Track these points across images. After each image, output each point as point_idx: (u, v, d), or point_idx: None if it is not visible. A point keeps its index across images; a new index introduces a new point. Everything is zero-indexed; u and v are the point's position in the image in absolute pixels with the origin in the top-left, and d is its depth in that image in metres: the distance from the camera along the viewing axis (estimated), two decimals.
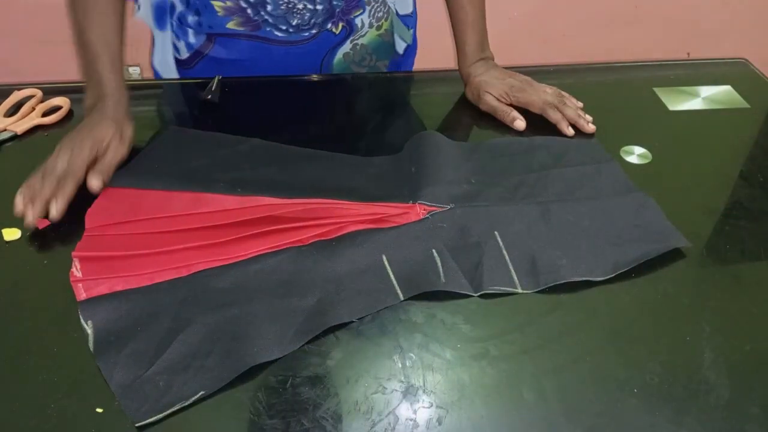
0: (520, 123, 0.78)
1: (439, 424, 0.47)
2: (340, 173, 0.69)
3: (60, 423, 0.46)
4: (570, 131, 0.77)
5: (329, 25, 0.85)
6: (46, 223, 0.61)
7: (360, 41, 0.90)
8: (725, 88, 0.88)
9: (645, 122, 0.81)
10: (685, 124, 0.81)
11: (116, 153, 0.67)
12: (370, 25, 0.89)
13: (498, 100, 0.80)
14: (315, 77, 0.88)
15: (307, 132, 0.77)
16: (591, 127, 0.77)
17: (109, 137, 0.67)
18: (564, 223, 0.62)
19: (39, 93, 0.81)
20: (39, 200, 0.61)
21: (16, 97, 0.80)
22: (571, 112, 0.78)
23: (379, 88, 0.89)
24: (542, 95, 0.80)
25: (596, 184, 0.68)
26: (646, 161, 0.74)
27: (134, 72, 1.75)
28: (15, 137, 0.74)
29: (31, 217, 0.60)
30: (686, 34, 1.82)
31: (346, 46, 0.89)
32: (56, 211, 0.60)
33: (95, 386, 0.48)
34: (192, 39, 0.86)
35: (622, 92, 0.88)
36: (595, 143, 0.75)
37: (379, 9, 0.88)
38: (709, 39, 1.82)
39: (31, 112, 0.78)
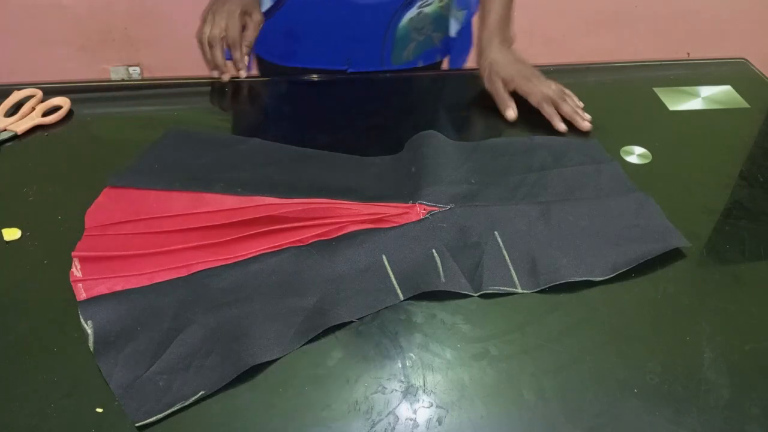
0: (511, 113, 0.79)
1: (439, 424, 0.47)
2: (340, 173, 0.69)
3: (60, 423, 0.46)
4: (562, 126, 0.77)
5: None
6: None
7: (425, 9, 0.90)
8: (725, 88, 0.88)
9: (645, 122, 0.81)
10: (685, 124, 0.81)
11: (255, 29, 0.83)
12: None
13: (503, 83, 0.81)
14: (315, 77, 0.88)
15: (308, 132, 0.77)
16: (586, 125, 0.77)
17: (250, 8, 0.83)
18: (564, 223, 0.62)
19: (39, 93, 0.81)
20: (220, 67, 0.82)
21: (16, 97, 0.80)
22: (568, 109, 0.78)
23: (379, 88, 0.89)
24: (544, 89, 0.80)
25: (596, 184, 0.68)
26: (646, 161, 0.74)
27: (134, 72, 1.75)
28: (15, 137, 0.74)
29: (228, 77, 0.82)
30: (686, 34, 1.82)
31: (413, 11, 0.90)
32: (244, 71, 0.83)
33: (95, 386, 0.48)
34: None
35: (622, 92, 0.88)
36: (595, 143, 0.75)
37: None
38: (709, 39, 1.82)
39: (31, 112, 0.78)
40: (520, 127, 0.80)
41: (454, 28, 0.96)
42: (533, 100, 0.80)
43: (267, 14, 0.89)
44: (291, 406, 0.47)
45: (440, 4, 0.92)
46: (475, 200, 0.64)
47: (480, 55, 0.85)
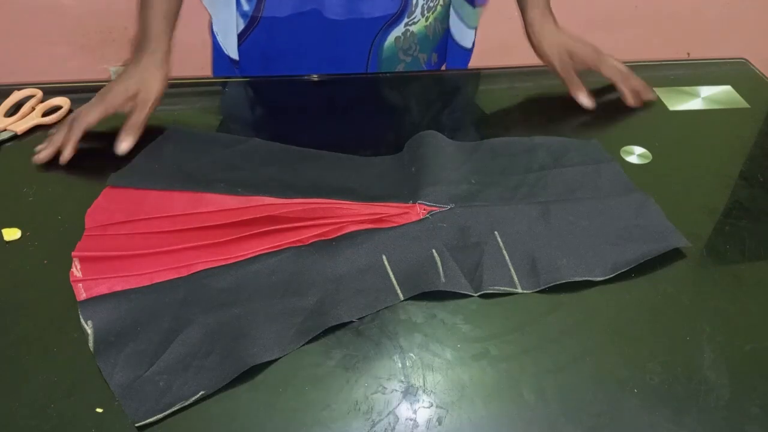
0: (587, 101, 0.82)
1: (439, 424, 0.47)
2: (340, 173, 0.69)
3: (60, 423, 0.46)
4: (633, 103, 0.83)
5: None
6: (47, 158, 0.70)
7: (411, 28, 0.89)
8: (725, 88, 0.88)
9: (645, 122, 0.81)
10: (685, 124, 0.81)
11: (139, 115, 0.73)
12: (422, 12, 0.89)
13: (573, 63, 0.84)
14: (315, 77, 0.88)
15: (308, 132, 0.77)
16: (652, 96, 0.84)
17: (128, 95, 0.73)
18: (564, 223, 0.62)
19: (39, 93, 0.81)
20: (52, 144, 0.70)
21: (16, 97, 0.80)
22: (637, 82, 0.84)
23: (379, 88, 0.89)
24: (616, 63, 0.85)
25: (596, 184, 0.68)
26: (646, 161, 0.74)
27: None
28: (15, 137, 0.74)
29: (42, 157, 0.70)
30: (686, 34, 1.82)
31: (399, 29, 0.88)
32: (64, 158, 0.70)
33: (95, 386, 0.48)
34: (246, 6, 0.85)
35: None
36: (595, 143, 0.75)
37: None
38: (709, 39, 1.82)
39: (31, 112, 0.78)
40: (520, 127, 0.80)
41: (468, 39, 0.95)
42: (606, 73, 0.84)
43: (241, 36, 0.87)
44: (291, 406, 0.47)
45: (425, 23, 0.90)
46: (475, 200, 0.64)
47: (538, 36, 0.86)
